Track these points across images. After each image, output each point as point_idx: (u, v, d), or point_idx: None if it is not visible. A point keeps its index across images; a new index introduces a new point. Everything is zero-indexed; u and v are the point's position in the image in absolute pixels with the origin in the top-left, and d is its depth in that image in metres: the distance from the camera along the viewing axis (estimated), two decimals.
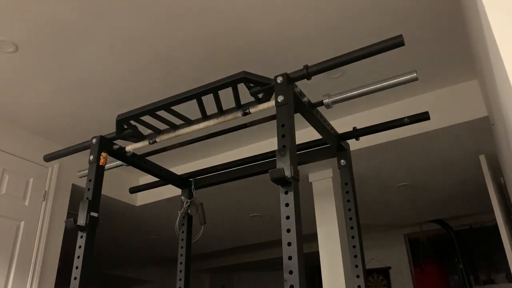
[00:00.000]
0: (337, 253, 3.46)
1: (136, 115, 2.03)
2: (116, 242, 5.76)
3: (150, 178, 4.04)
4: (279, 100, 1.66)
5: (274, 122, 2.99)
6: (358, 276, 2.00)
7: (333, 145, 2.23)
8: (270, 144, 3.56)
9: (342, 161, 2.28)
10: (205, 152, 3.81)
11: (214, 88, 1.86)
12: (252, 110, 1.94)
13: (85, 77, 2.66)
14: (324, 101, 1.93)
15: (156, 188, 2.75)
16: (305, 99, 1.86)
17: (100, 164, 2.07)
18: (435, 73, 2.81)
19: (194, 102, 1.95)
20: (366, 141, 3.11)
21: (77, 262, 1.86)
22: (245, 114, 1.96)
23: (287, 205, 1.44)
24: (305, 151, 2.36)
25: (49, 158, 2.44)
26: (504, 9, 1.06)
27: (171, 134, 2.15)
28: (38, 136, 3.37)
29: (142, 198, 4.27)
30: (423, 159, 3.52)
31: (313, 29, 2.33)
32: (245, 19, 2.23)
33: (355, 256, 2.05)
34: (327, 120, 2.14)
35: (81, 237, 1.92)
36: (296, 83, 1.79)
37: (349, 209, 2.16)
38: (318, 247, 3.58)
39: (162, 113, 2.02)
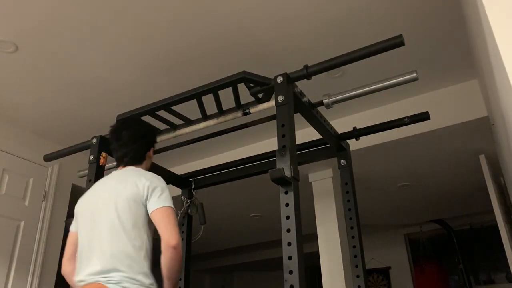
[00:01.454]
0: (337, 253, 3.45)
1: (136, 115, 2.03)
2: None
3: None
4: (279, 100, 1.66)
5: (274, 122, 2.99)
6: (358, 276, 2.00)
7: (333, 145, 2.23)
8: (270, 144, 3.56)
9: (342, 161, 2.28)
10: (205, 152, 3.81)
11: (214, 88, 1.86)
12: (252, 110, 1.94)
13: (85, 77, 2.65)
14: (324, 101, 1.94)
15: None
16: (305, 99, 1.86)
17: (100, 164, 2.08)
18: (435, 73, 2.81)
19: (194, 102, 1.95)
20: (366, 141, 3.10)
21: None
22: (245, 114, 1.96)
23: (287, 205, 1.44)
24: (305, 151, 2.36)
25: (49, 158, 2.44)
26: (504, 9, 1.06)
27: (171, 134, 2.15)
28: (38, 136, 3.36)
29: None
30: (423, 159, 3.52)
31: (313, 29, 2.32)
32: (245, 20, 2.23)
33: (355, 256, 2.05)
34: (327, 120, 2.14)
35: None
36: (296, 83, 1.79)
37: (349, 209, 2.16)
38: (318, 247, 3.58)
39: (162, 113, 2.02)
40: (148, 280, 1.48)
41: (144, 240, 1.53)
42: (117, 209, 1.54)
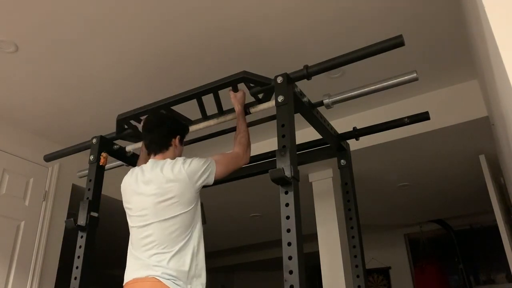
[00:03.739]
0: (337, 253, 3.45)
1: (136, 115, 2.03)
2: (116, 242, 5.75)
3: None
4: (279, 100, 1.66)
5: (274, 122, 2.99)
6: (358, 276, 2.00)
7: (333, 145, 2.23)
8: (270, 144, 3.55)
9: (342, 161, 2.28)
10: (205, 152, 3.80)
11: (214, 88, 1.86)
12: (252, 110, 1.94)
13: (85, 76, 2.65)
14: (324, 101, 1.94)
15: None
16: (305, 99, 1.86)
17: (101, 164, 2.07)
18: (435, 73, 2.81)
19: (194, 102, 1.95)
20: (366, 141, 3.10)
21: (77, 262, 1.86)
22: (245, 113, 1.96)
23: (287, 205, 1.44)
24: (305, 151, 2.36)
25: (49, 158, 2.44)
26: (504, 9, 1.06)
27: None
28: (38, 136, 3.36)
29: None
30: (423, 159, 3.52)
31: (313, 29, 2.32)
32: (245, 19, 2.23)
33: (355, 256, 2.05)
34: (327, 120, 2.14)
35: (81, 237, 1.92)
36: (296, 83, 1.79)
37: (349, 209, 2.16)
38: (318, 247, 3.58)
39: None
40: None
41: None
42: None
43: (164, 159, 1.70)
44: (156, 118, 1.84)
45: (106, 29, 2.26)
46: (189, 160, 1.65)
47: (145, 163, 1.88)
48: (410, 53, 2.52)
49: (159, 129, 1.78)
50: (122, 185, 1.78)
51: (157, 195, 1.60)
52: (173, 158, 1.72)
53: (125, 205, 1.73)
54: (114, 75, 2.64)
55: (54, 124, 3.21)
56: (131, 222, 1.68)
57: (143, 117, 2.08)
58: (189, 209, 1.60)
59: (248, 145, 1.83)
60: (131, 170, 1.81)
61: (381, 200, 4.54)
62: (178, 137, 1.79)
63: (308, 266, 6.80)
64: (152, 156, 1.76)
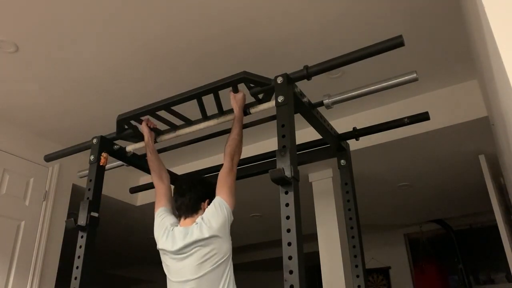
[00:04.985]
0: (337, 253, 3.45)
1: (137, 115, 2.03)
2: (116, 242, 5.76)
3: (150, 178, 4.01)
4: (279, 100, 1.66)
5: (274, 122, 2.98)
6: (358, 276, 2.00)
7: (333, 145, 2.23)
8: (270, 144, 3.56)
9: (342, 161, 2.28)
10: (205, 152, 3.80)
11: (214, 88, 1.86)
12: (252, 110, 1.94)
13: (85, 77, 2.65)
14: (324, 101, 1.94)
15: None
16: (305, 99, 1.86)
17: (101, 164, 2.08)
18: (435, 73, 2.81)
19: (194, 102, 1.95)
20: (366, 141, 3.10)
21: (78, 262, 1.86)
22: (245, 114, 1.96)
23: (287, 205, 1.44)
24: (305, 151, 2.36)
25: (49, 158, 2.44)
26: (504, 9, 1.06)
27: (172, 134, 2.15)
28: (38, 136, 3.36)
29: (142, 198, 4.26)
30: (423, 159, 3.52)
31: (313, 29, 2.33)
32: (245, 20, 2.23)
33: (355, 256, 2.05)
34: (327, 120, 2.14)
35: (82, 237, 1.92)
36: (296, 83, 1.79)
37: (349, 209, 2.16)
38: (318, 247, 3.58)
39: (162, 113, 2.02)
40: None
41: None
42: None
43: (192, 223, 1.73)
44: (188, 182, 1.89)
45: (106, 30, 2.26)
46: (206, 219, 1.69)
47: (157, 160, 2.00)
48: (410, 53, 2.52)
49: (190, 194, 1.82)
50: (155, 236, 1.82)
51: (196, 259, 1.65)
52: None
53: (162, 259, 1.78)
54: (114, 75, 2.64)
55: (54, 124, 3.21)
56: (169, 275, 1.74)
57: (143, 118, 2.09)
58: (226, 257, 1.66)
59: (235, 153, 1.89)
60: (160, 220, 1.85)
61: (381, 200, 4.54)
62: (207, 201, 1.82)
63: (308, 266, 6.80)
64: (182, 219, 1.80)
